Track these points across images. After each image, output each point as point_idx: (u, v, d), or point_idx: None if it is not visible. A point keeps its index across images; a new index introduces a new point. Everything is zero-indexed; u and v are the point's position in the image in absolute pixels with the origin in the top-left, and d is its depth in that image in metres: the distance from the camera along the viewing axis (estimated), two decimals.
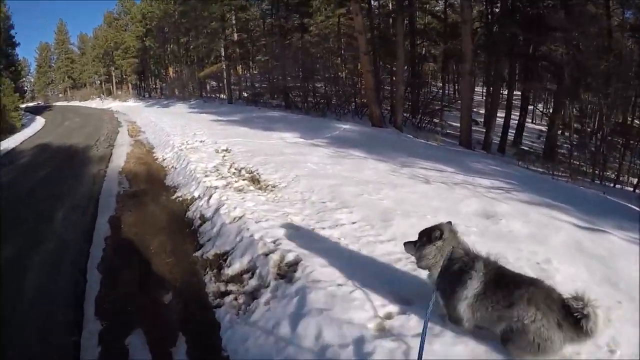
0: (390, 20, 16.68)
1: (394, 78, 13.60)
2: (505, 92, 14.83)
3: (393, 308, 2.12)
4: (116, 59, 34.50)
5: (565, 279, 2.37)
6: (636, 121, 10.75)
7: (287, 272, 2.59)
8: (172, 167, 6.49)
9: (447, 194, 4.33)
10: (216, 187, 4.63)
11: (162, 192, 5.32)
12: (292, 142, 8.13)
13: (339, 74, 19.17)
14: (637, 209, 4.55)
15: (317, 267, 2.52)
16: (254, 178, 5.06)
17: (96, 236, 3.96)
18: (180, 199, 4.84)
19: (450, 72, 22.55)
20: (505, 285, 1.76)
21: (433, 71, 23.24)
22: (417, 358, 1.57)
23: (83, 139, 10.61)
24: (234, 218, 3.64)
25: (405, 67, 13.90)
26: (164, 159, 7.25)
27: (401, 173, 5.36)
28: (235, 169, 5.61)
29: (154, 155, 7.97)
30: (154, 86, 35.70)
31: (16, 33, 25.28)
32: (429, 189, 4.53)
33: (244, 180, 5.02)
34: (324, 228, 3.27)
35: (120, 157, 7.84)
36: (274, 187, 4.62)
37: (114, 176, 6.32)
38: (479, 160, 7.69)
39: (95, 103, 34.25)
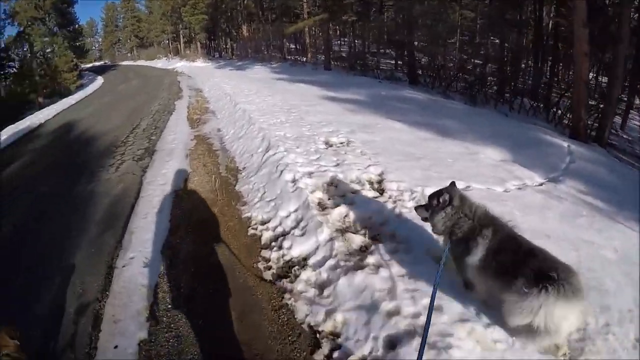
0: None
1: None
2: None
3: None
4: (184, 15, 31.73)
5: None
6: None
7: None
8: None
9: None
10: None
11: None
12: (538, 186, 3.65)
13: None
14: None
15: None
16: None
17: None
18: None
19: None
20: (511, 253, 1.67)
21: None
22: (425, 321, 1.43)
23: (123, 119, 7.87)
24: None
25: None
26: (283, 261, 2.70)
27: None
28: None
29: (245, 214, 3.35)
30: (224, 46, 33.10)
31: None
32: None
33: None
34: None
35: (159, 214, 3.39)
36: None
37: None
38: None
39: (161, 63, 32.31)
